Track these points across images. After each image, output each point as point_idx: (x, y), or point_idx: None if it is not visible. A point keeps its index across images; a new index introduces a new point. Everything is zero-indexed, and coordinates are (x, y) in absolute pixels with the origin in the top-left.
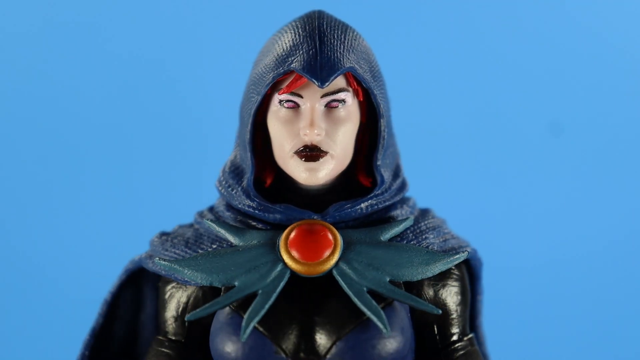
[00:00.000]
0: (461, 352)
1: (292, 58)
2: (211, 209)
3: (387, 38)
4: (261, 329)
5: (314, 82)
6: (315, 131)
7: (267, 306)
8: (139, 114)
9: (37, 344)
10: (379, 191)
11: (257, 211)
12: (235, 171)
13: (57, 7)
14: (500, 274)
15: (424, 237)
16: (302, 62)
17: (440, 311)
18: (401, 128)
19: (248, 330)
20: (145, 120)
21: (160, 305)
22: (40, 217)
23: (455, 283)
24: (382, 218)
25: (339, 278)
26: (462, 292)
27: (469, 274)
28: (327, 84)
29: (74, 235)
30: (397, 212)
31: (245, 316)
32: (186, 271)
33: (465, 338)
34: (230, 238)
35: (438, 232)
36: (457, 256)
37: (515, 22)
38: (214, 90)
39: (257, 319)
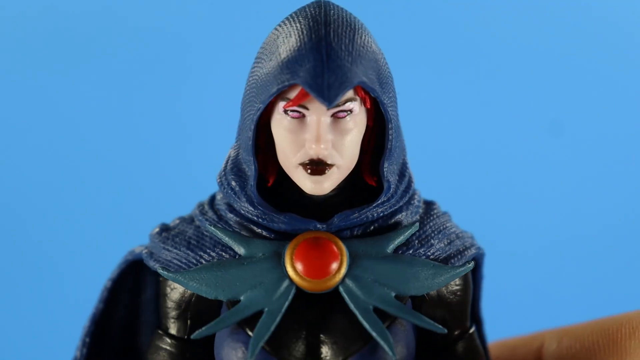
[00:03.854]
0: (462, 349)
1: (298, 71)
2: (212, 203)
3: (388, 36)
4: (267, 347)
5: (321, 102)
6: (322, 146)
7: (273, 326)
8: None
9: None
10: (385, 198)
11: (260, 219)
12: (237, 173)
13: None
14: (502, 264)
15: (429, 244)
16: (308, 78)
17: (446, 330)
18: (407, 125)
19: (256, 351)
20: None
21: (161, 298)
22: (43, 211)
23: (458, 282)
24: (387, 223)
25: (345, 296)
26: (465, 290)
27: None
28: (334, 103)
29: (77, 229)
30: (402, 216)
31: (252, 337)
32: (191, 284)
33: (466, 335)
34: (235, 247)
35: (443, 234)
36: (462, 269)
37: (517, 22)
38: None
39: (264, 339)
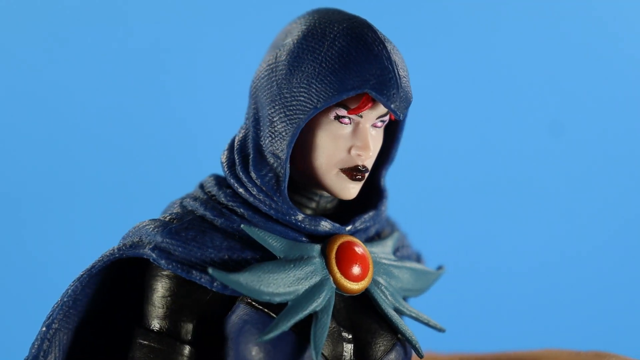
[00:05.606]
0: None
1: (369, 80)
2: (214, 198)
3: (388, 32)
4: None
5: (395, 115)
6: (370, 153)
7: (327, 327)
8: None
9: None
10: (382, 205)
11: (299, 223)
12: (267, 174)
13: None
14: (502, 265)
15: (409, 249)
16: (384, 90)
17: (445, 329)
18: (408, 126)
19: (319, 353)
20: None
21: (162, 299)
22: (41, 209)
23: None
24: (377, 230)
25: (376, 298)
26: None
27: None
28: (404, 116)
29: (71, 233)
30: (382, 222)
31: (315, 339)
32: (242, 286)
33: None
34: (273, 250)
35: (406, 240)
36: (440, 271)
37: (519, 26)
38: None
39: (323, 339)
